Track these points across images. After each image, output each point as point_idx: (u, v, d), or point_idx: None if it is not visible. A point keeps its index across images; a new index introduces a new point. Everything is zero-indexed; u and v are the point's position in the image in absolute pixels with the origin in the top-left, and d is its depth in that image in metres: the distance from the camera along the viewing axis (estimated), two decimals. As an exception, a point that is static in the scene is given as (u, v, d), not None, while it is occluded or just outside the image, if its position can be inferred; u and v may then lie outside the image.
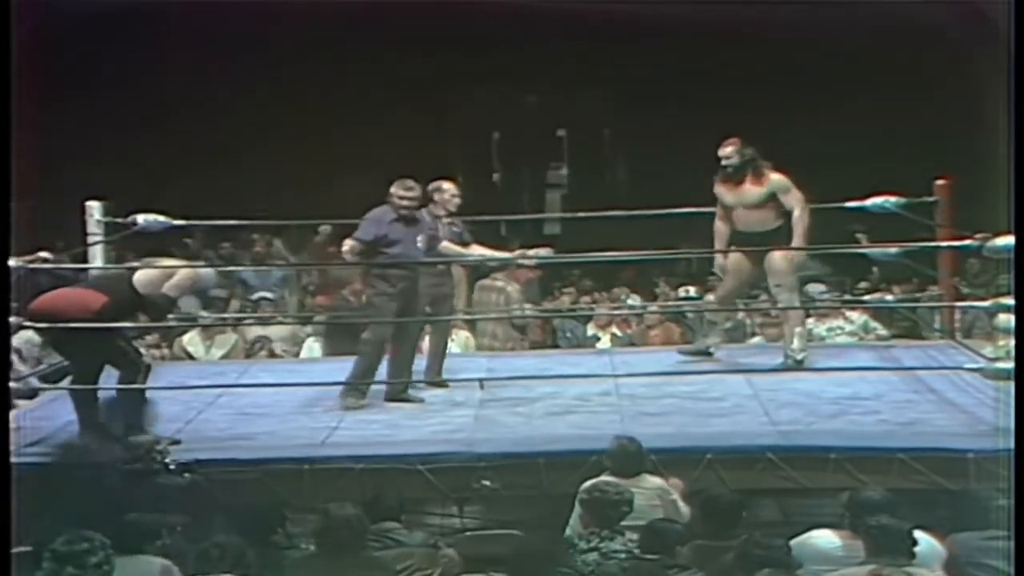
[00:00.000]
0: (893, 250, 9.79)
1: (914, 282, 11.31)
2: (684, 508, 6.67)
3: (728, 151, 8.92)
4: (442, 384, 8.77)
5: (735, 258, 9.03)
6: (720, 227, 9.04)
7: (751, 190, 8.87)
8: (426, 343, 9.04)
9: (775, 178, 8.86)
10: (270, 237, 12.95)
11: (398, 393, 8.48)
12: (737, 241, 8.96)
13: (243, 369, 9.78)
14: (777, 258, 8.83)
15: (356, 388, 8.36)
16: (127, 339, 7.77)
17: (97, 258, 9.65)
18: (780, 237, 8.83)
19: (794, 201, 8.83)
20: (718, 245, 9.12)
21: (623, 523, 6.28)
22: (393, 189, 8.46)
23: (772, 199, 8.84)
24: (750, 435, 7.49)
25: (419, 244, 8.49)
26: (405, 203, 8.43)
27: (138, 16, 13.28)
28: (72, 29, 12.83)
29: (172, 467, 6.87)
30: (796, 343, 8.89)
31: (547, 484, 7.03)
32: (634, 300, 11.97)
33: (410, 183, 8.49)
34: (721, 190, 8.97)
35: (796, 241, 8.77)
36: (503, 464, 7.14)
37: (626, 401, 8.36)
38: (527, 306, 11.15)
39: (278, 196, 12.36)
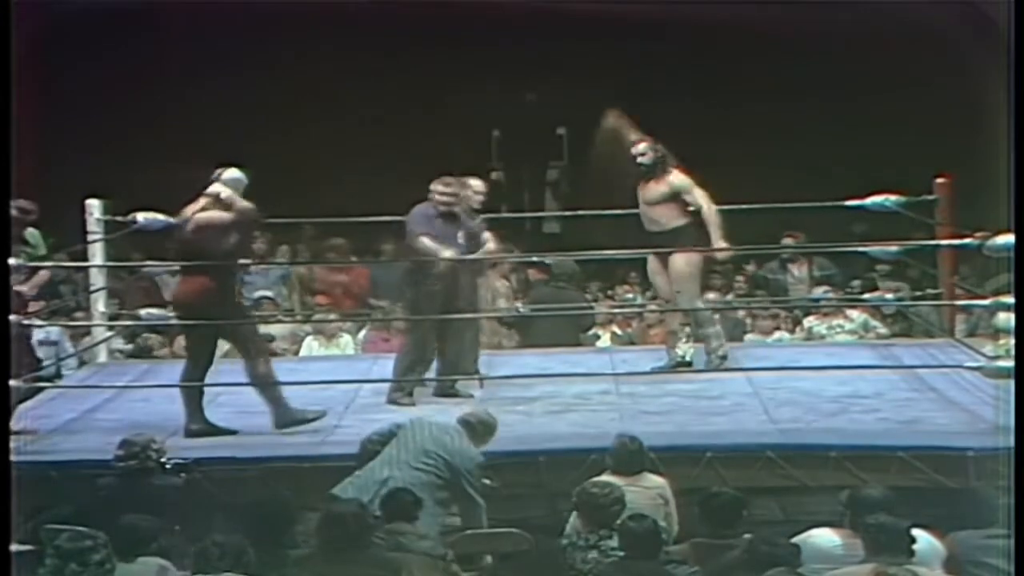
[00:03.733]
0: (893, 249, 9.80)
1: (911, 280, 11.35)
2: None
3: (641, 148, 8.85)
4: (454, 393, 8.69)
5: (652, 263, 8.95)
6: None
7: (654, 188, 8.80)
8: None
9: (675, 176, 8.78)
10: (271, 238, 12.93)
11: (447, 388, 8.60)
12: (645, 241, 8.89)
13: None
14: (679, 263, 8.74)
15: (403, 386, 8.38)
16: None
17: (97, 256, 9.68)
18: (682, 237, 8.75)
19: (699, 198, 8.74)
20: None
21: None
22: (432, 186, 8.48)
23: (672, 198, 8.76)
24: (750, 433, 7.51)
25: (460, 241, 8.50)
26: (444, 199, 8.45)
27: (138, 16, 13.27)
28: (72, 29, 12.82)
29: (169, 466, 6.86)
30: (714, 343, 8.82)
31: (547, 483, 7.03)
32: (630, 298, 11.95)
33: (449, 179, 8.55)
34: (638, 188, 8.90)
35: (714, 239, 8.72)
36: (503, 463, 7.14)
37: (626, 399, 8.37)
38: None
39: (278, 195, 12.34)
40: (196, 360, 7.99)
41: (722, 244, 8.83)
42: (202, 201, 7.88)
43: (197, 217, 7.86)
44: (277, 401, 7.88)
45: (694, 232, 8.79)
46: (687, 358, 9.03)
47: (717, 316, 9.39)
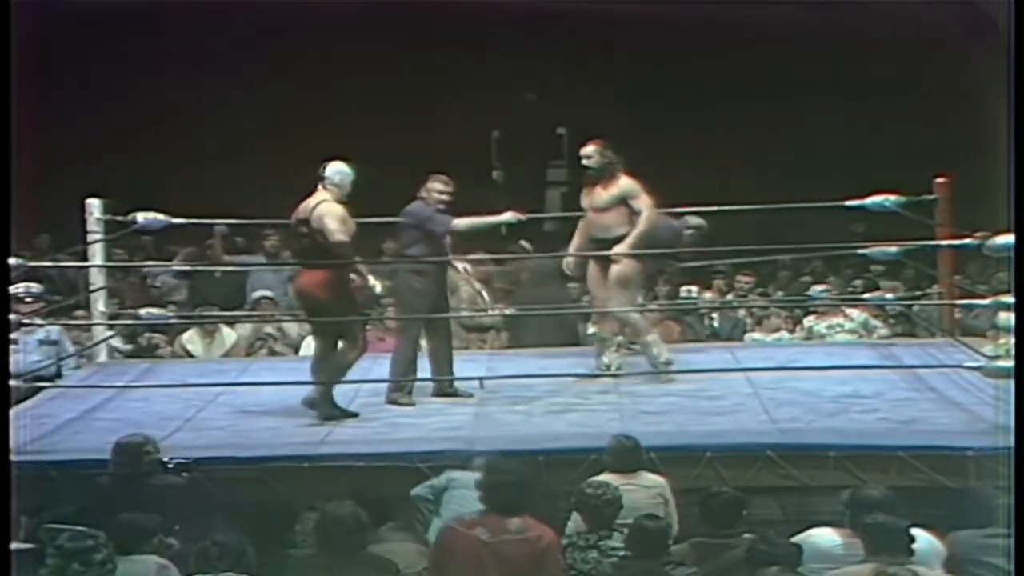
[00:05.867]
0: (893, 249, 9.79)
1: (911, 280, 11.35)
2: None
3: (588, 150, 8.70)
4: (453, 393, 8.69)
5: (593, 271, 8.81)
6: (578, 231, 8.86)
7: (601, 194, 8.66)
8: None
9: (625, 182, 8.65)
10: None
11: (445, 388, 8.59)
12: (589, 247, 8.77)
13: (243, 367, 9.78)
14: (615, 269, 8.63)
15: (402, 386, 8.41)
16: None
17: (97, 256, 9.68)
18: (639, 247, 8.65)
19: (643, 205, 8.59)
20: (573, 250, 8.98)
21: (622, 520, 6.28)
22: (431, 185, 8.50)
23: (620, 203, 8.62)
24: (750, 433, 7.50)
25: (450, 240, 8.57)
26: (444, 198, 8.48)
27: (138, 16, 13.29)
28: (72, 29, 12.83)
29: (168, 466, 6.86)
30: (654, 350, 8.73)
31: (547, 482, 7.02)
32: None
33: (446, 178, 8.54)
34: (583, 191, 8.78)
35: (629, 242, 8.55)
36: (503, 462, 7.13)
37: (626, 399, 8.37)
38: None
39: (277, 194, 12.33)
40: (347, 345, 8.17)
41: (625, 248, 8.60)
42: (330, 193, 8.08)
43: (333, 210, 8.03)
44: (328, 394, 8.09)
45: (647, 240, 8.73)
46: (613, 368, 8.86)
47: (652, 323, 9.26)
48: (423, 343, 8.68)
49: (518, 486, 5.85)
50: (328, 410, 8.06)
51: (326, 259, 8.04)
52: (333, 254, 8.03)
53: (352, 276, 8.18)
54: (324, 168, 8.16)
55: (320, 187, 8.14)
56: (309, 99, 14.19)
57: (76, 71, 13.57)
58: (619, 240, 8.62)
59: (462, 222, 8.47)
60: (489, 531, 5.68)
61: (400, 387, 8.45)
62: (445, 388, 8.58)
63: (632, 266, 8.67)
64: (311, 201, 8.11)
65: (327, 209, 8.02)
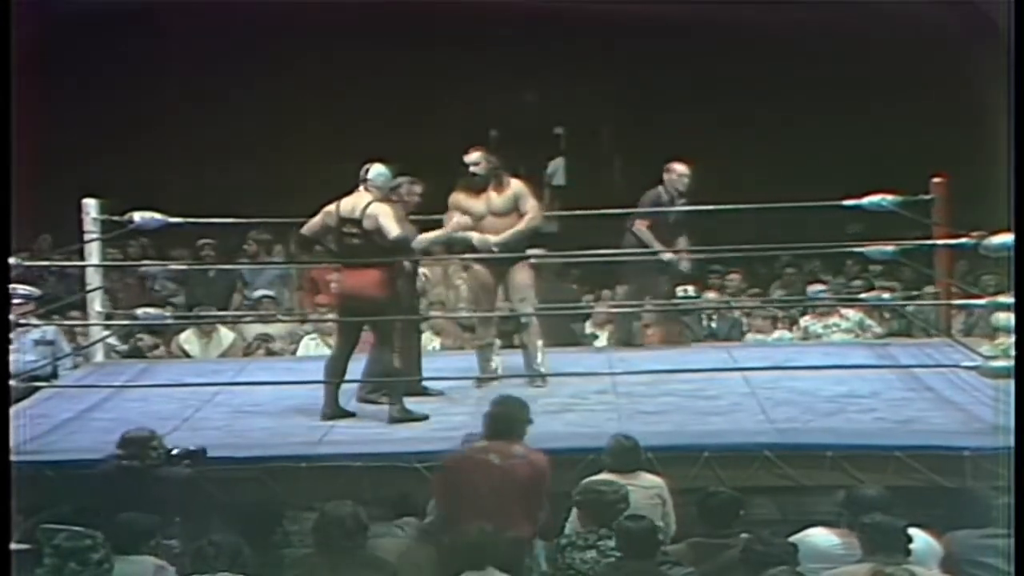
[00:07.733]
0: (890, 248, 9.79)
1: (908, 279, 11.36)
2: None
3: (474, 157, 8.71)
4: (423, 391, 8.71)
5: (479, 270, 8.83)
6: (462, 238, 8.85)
7: (497, 199, 8.69)
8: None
9: (516, 185, 8.74)
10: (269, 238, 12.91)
11: (416, 387, 8.57)
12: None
13: (240, 367, 9.78)
14: (522, 274, 8.72)
15: (378, 387, 8.41)
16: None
17: (93, 255, 9.69)
18: (522, 246, 8.72)
19: (530, 207, 8.69)
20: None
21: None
22: (409, 186, 8.50)
23: (515, 207, 8.69)
24: (747, 433, 7.50)
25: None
26: (416, 199, 8.50)
27: (138, 16, 13.30)
28: (72, 29, 12.84)
29: (170, 464, 6.86)
30: (539, 357, 8.77)
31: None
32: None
33: (415, 178, 8.55)
34: (462, 198, 8.74)
35: (505, 238, 8.62)
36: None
37: (623, 399, 8.37)
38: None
39: (277, 194, 12.36)
40: (396, 346, 8.26)
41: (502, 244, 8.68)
42: (371, 195, 8.10)
43: (382, 208, 8.06)
44: (395, 396, 8.13)
45: (529, 241, 8.81)
46: (499, 371, 8.87)
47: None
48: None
49: (517, 417, 6.64)
50: (402, 411, 8.07)
51: (384, 257, 8.07)
52: (392, 252, 8.07)
53: (406, 273, 8.30)
54: (367, 170, 8.15)
55: (363, 188, 8.12)
56: (309, 99, 14.19)
57: (76, 71, 13.57)
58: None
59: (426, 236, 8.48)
60: (499, 456, 6.45)
61: (376, 387, 8.44)
62: (415, 387, 8.57)
63: (530, 271, 8.83)
64: (357, 201, 8.09)
65: (381, 209, 8.03)
